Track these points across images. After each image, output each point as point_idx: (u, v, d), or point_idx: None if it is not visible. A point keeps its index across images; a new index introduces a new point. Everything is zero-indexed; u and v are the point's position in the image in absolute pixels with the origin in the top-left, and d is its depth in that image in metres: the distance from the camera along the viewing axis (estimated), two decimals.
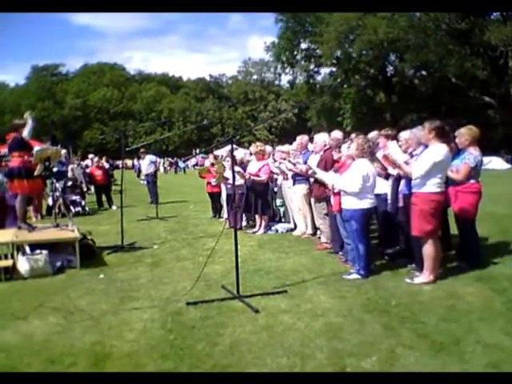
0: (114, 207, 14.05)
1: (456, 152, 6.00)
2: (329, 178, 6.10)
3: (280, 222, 9.68)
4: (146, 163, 14.62)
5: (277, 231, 9.06)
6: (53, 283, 5.83)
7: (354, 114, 45.24)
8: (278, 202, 9.80)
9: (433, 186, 5.11)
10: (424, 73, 40.10)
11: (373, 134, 7.02)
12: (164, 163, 44.06)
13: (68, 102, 73.44)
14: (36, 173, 7.08)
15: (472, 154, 5.78)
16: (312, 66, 47.18)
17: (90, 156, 21.06)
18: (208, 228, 9.89)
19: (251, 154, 10.91)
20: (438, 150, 5.08)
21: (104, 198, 14.68)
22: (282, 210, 9.82)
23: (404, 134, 6.14)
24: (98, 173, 14.79)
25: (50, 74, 79.01)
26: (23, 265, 6.07)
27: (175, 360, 3.55)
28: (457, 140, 6.00)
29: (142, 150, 15.45)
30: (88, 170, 16.07)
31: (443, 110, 36.74)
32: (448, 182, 5.73)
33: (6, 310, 4.80)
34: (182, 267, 6.49)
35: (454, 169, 5.78)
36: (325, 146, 7.34)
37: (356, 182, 5.48)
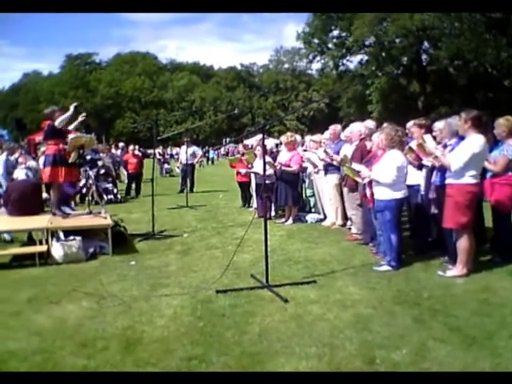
0: (141, 197, 14.22)
1: (494, 143, 5.85)
2: (363, 168, 6.02)
3: (310, 212, 9.63)
4: (189, 153, 14.77)
5: (306, 221, 9.02)
6: (86, 269, 5.96)
7: (384, 103, 44.40)
8: (309, 192, 9.74)
9: (469, 177, 4.98)
10: (459, 62, 39.09)
11: (410, 124, 6.89)
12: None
13: (100, 91, 74.40)
14: (70, 160, 7.22)
15: (511, 146, 5.63)
16: (343, 53, 46.28)
17: (121, 145, 21.34)
18: (237, 217, 9.93)
19: (277, 145, 10.89)
20: (476, 141, 4.94)
21: (133, 186, 14.93)
22: (312, 200, 9.77)
23: (439, 124, 6.01)
24: (133, 161, 14.99)
25: (83, 63, 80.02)
26: (57, 250, 6.21)
27: (204, 346, 3.59)
28: (494, 131, 5.84)
29: (185, 138, 15.69)
30: (124, 157, 16.26)
31: (479, 100, 35.79)
32: (485, 173, 5.60)
33: (40, 294, 4.93)
34: (212, 255, 6.54)
35: (491, 160, 5.64)
36: (360, 135, 7.24)
37: (390, 172, 5.40)
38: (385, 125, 7.22)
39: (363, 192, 6.35)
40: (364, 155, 6.71)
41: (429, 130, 6.35)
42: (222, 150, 48.47)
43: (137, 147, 21.13)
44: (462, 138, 5.20)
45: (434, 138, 6.10)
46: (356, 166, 6.20)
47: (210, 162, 41.21)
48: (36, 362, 3.40)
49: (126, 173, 15.71)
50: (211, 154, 43.02)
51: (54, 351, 3.57)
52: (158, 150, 27.36)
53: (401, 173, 5.46)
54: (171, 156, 38.83)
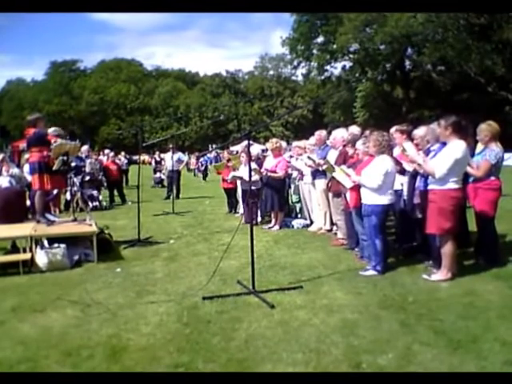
0: (129, 203, 14.12)
1: (474, 147, 5.92)
2: (350, 172, 6.06)
3: (296, 217, 9.65)
4: (174, 159, 14.74)
5: (292, 227, 9.04)
6: (70, 276, 5.90)
7: (368, 108, 44.77)
8: (295, 198, 9.77)
9: (452, 182, 5.03)
10: (443, 68, 39.54)
11: (392, 130, 6.95)
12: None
13: (85, 98, 73.94)
14: (54, 167, 7.15)
15: (493, 151, 5.69)
16: (327, 59, 46.50)
17: (106, 151, 21.28)
18: (224, 223, 9.91)
19: (263, 151, 10.91)
20: (458, 147, 4.99)
21: (116, 193, 14.82)
22: (298, 206, 9.79)
23: (419, 132, 6.06)
24: (114, 168, 14.90)
25: (68, 70, 79.60)
26: (41, 258, 6.14)
27: (191, 353, 3.57)
28: (477, 136, 5.91)
29: (171, 145, 15.67)
30: (104, 163, 16.15)
31: (462, 105, 36.23)
32: (467, 178, 5.65)
33: (24, 302, 4.86)
34: (198, 262, 6.52)
35: (474, 165, 5.70)
36: (343, 141, 7.30)
37: (377, 178, 5.43)
38: (367, 132, 7.29)
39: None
40: (346, 161, 6.77)
41: (410, 135, 6.37)
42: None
43: (123, 153, 21.06)
44: (444, 143, 5.26)
45: (417, 145, 6.12)
46: (345, 169, 6.21)
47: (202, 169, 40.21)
48: (21, 370, 3.36)
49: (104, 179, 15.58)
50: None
51: (38, 360, 3.53)
52: (155, 157, 26.60)
53: (388, 178, 5.49)
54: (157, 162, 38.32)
